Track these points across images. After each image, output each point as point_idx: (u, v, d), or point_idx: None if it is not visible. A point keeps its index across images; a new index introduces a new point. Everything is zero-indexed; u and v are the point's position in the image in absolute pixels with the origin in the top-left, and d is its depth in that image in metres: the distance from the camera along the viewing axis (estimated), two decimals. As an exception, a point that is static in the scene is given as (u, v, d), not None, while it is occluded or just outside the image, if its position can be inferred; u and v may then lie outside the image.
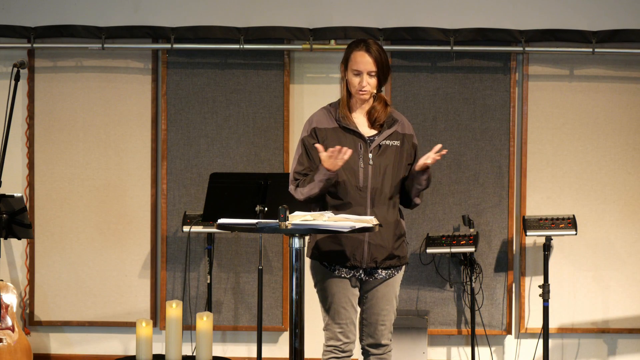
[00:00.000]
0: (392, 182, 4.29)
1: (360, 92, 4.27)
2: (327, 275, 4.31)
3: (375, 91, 4.29)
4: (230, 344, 6.44)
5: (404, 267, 4.42)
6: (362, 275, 4.32)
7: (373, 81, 4.27)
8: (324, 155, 4.12)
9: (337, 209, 4.25)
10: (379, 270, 4.32)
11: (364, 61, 4.26)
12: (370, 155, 4.27)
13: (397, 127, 4.35)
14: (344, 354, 4.33)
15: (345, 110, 4.32)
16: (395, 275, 4.36)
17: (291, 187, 4.33)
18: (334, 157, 4.10)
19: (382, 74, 4.28)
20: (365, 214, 4.23)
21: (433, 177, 6.19)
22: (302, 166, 4.31)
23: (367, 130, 4.33)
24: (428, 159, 4.23)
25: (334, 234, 4.18)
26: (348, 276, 4.31)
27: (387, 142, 4.31)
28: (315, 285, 4.36)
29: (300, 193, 4.28)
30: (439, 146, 4.25)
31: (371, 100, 4.35)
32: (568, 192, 6.31)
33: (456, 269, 6.27)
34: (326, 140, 4.28)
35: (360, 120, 4.34)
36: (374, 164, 4.27)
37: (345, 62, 4.32)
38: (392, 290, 4.37)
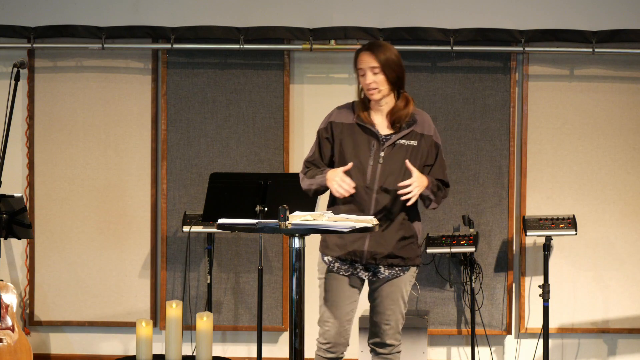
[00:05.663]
0: (400, 181, 4.23)
1: (369, 92, 4.27)
2: (327, 271, 4.35)
3: (383, 88, 4.26)
4: (230, 344, 6.44)
5: (413, 268, 4.38)
6: (363, 272, 4.32)
7: (379, 78, 4.25)
8: (341, 174, 4.19)
9: (343, 203, 4.27)
10: (381, 269, 4.31)
11: (364, 59, 4.27)
12: (381, 154, 4.27)
13: (415, 126, 4.32)
14: (330, 354, 4.36)
15: (362, 110, 4.32)
16: (400, 275, 4.34)
17: (300, 173, 4.40)
18: (340, 183, 4.16)
19: (388, 70, 4.25)
20: (368, 212, 4.24)
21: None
22: (313, 156, 4.39)
23: (384, 130, 4.32)
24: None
25: None
26: (347, 274, 4.31)
27: (403, 141, 4.29)
28: (318, 280, 4.40)
29: (303, 182, 4.37)
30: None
31: (392, 101, 4.33)
32: (568, 192, 6.31)
33: (456, 269, 6.27)
34: (341, 135, 4.31)
35: (379, 120, 4.33)
36: (384, 163, 4.26)
37: (355, 68, 4.34)
38: (397, 290, 4.34)
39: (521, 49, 6.18)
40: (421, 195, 4.26)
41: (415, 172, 4.19)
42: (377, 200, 4.26)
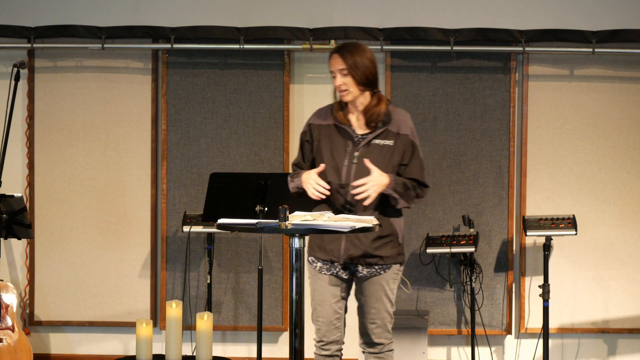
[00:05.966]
0: None
1: (340, 93, 4.32)
2: (312, 271, 4.42)
3: (352, 89, 4.28)
4: (230, 344, 6.44)
5: (395, 266, 4.38)
6: (342, 272, 4.36)
7: (348, 80, 4.28)
8: (314, 177, 4.22)
9: (317, 202, 4.32)
10: (359, 268, 4.34)
11: (332, 62, 4.32)
12: (356, 153, 4.29)
13: (390, 126, 4.33)
14: (323, 351, 4.40)
15: (338, 111, 4.36)
16: (381, 274, 4.35)
17: (289, 177, 4.44)
18: (314, 186, 4.20)
19: (356, 71, 4.25)
20: (341, 211, 4.27)
21: (432, 177, 6.19)
22: (297, 159, 4.47)
23: (360, 130, 4.34)
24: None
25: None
26: (328, 274, 4.36)
27: (378, 141, 4.31)
28: (308, 279, 4.43)
29: (289, 186, 4.40)
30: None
31: (367, 101, 4.34)
32: (568, 192, 6.31)
33: (456, 269, 6.27)
34: (319, 136, 4.36)
35: (355, 120, 4.36)
36: (359, 162, 4.28)
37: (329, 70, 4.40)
38: (380, 288, 4.36)
39: (521, 49, 6.18)
40: (385, 194, 4.27)
41: (374, 171, 4.21)
42: (351, 200, 4.27)
